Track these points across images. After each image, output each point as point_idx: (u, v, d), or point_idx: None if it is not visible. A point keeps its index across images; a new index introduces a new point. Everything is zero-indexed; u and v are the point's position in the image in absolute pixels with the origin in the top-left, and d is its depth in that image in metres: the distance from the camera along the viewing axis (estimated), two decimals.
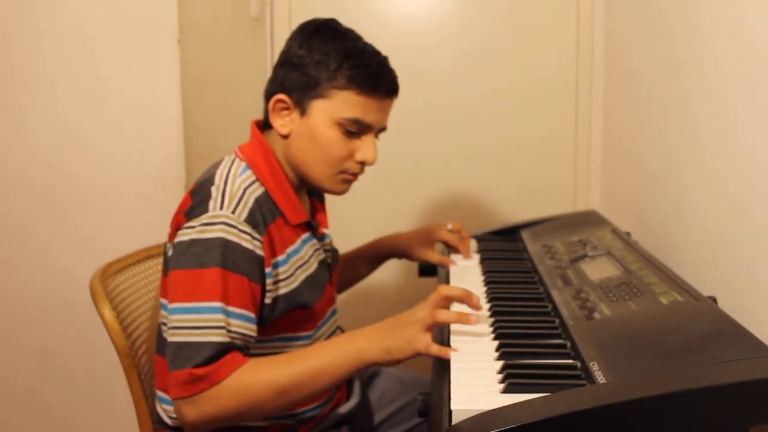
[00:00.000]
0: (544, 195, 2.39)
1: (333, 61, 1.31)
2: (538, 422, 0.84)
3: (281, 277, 1.31)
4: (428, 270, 1.77)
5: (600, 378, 0.96)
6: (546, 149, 2.39)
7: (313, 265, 1.40)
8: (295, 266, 1.35)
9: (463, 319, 1.17)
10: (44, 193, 2.13)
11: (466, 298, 1.21)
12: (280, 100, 1.34)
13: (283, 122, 1.35)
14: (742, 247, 1.25)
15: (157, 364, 1.40)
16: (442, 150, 2.41)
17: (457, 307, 1.25)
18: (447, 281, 1.57)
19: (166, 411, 1.38)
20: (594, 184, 2.39)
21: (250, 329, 1.24)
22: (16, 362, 2.19)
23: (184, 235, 1.25)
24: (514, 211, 2.24)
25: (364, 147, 1.36)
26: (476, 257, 1.73)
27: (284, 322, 1.34)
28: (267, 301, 1.29)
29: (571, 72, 2.36)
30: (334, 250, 1.54)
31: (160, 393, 1.39)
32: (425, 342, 1.15)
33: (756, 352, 0.93)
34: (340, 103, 1.31)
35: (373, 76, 1.33)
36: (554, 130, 2.38)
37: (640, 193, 1.89)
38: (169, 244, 1.33)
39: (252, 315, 1.25)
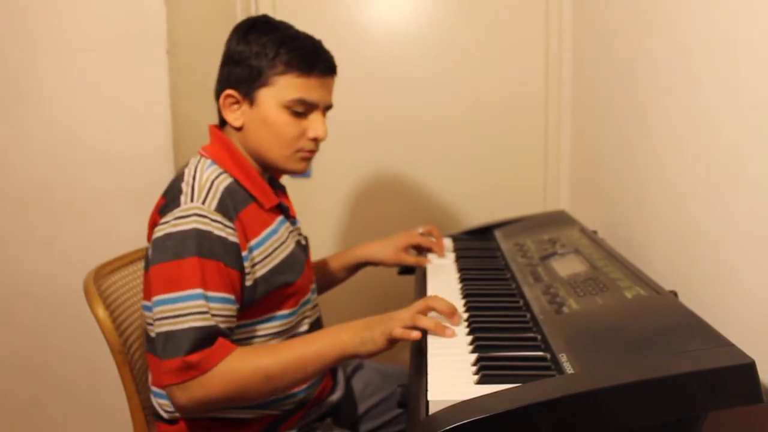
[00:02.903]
0: (516, 196, 2.41)
1: (270, 50, 1.33)
2: (510, 411, 0.84)
3: (257, 259, 1.32)
4: (407, 268, 1.78)
5: (569, 369, 0.97)
6: (518, 154, 2.41)
7: (291, 245, 1.41)
8: (273, 246, 1.36)
9: (439, 330, 1.18)
10: (39, 198, 2.12)
11: (449, 316, 1.22)
12: (229, 95, 1.36)
13: (235, 116, 1.37)
14: (700, 245, 1.26)
15: (150, 362, 1.40)
16: (421, 155, 2.41)
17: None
18: (424, 279, 1.57)
19: (160, 405, 1.37)
20: (563, 185, 2.40)
21: (230, 310, 1.25)
22: (11, 362, 2.17)
23: (159, 232, 1.26)
24: (489, 212, 2.25)
25: (313, 124, 1.37)
26: (451, 256, 1.73)
27: (269, 300, 1.35)
28: (248, 283, 1.30)
29: (541, 83, 2.37)
30: (305, 237, 1.55)
31: (153, 388, 1.39)
32: (394, 329, 1.16)
33: (713, 342, 0.94)
34: (283, 87, 1.34)
35: (309, 56, 1.35)
36: (526, 137, 2.40)
37: (606, 194, 1.90)
38: (148, 244, 1.33)
39: (231, 296, 1.25)
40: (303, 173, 1.43)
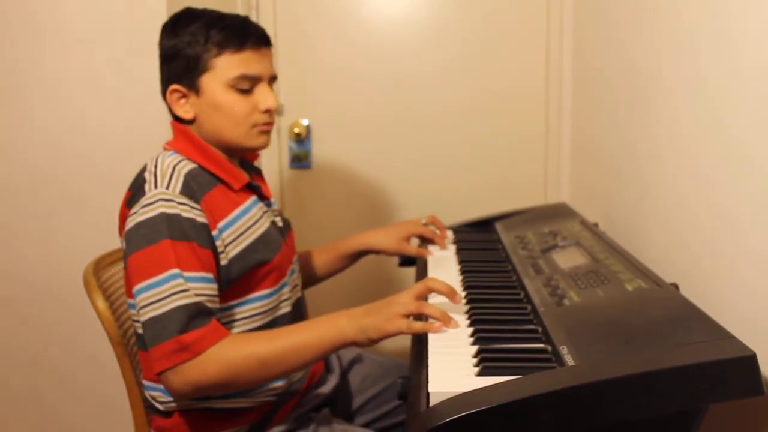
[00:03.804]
0: (517, 189, 2.41)
1: (200, 36, 1.35)
2: (511, 403, 0.84)
3: (228, 240, 1.32)
4: (408, 260, 1.77)
5: (569, 361, 0.97)
6: (519, 146, 2.41)
7: (265, 224, 1.41)
8: (245, 225, 1.36)
9: (445, 319, 1.16)
10: (40, 188, 2.12)
11: (450, 296, 1.22)
12: (174, 91, 1.38)
13: (185, 109, 1.38)
14: (700, 238, 1.26)
15: (141, 357, 1.40)
16: (422, 147, 2.41)
17: (437, 299, 1.26)
18: (425, 271, 1.57)
19: (153, 397, 1.38)
20: (564, 178, 2.40)
21: (211, 289, 1.25)
22: (11, 351, 2.17)
23: (129, 223, 1.27)
24: (490, 205, 2.24)
25: (261, 97, 1.38)
26: (452, 248, 1.73)
27: (246, 281, 1.35)
28: (222, 263, 1.30)
29: (542, 75, 2.37)
30: (285, 219, 1.55)
31: (146, 382, 1.39)
32: (406, 322, 1.15)
33: (714, 334, 0.94)
34: (222, 68, 1.35)
35: (239, 32, 1.36)
36: (527, 129, 2.40)
37: (607, 186, 1.90)
38: (121, 238, 1.34)
39: (209, 275, 1.25)
40: (265, 147, 1.43)
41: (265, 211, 1.44)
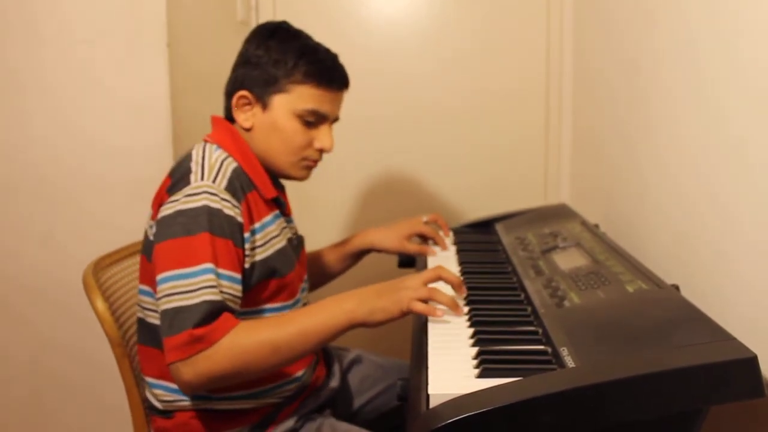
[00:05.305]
0: (517, 190, 2.40)
1: (290, 59, 1.36)
2: (511, 405, 0.84)
3: (257, 243, 1.33)
4: (408, 261, 1.77)
5: (570, 362, 0.97)
6: (519, 147, 2.40)
7: (283, 240, 1.42)
8: (269, 236, 1.37)
9: (453, 305, 1.19)
10: (38, 189, 2.11)
11: (457, 287, 1.25)
12: (242, 96, 1.39)
13: (246, 116, 1.40)
14: (701, 239, 1.26)
15: (141, 353, 1.40)
16: (422, 147, 2.41)
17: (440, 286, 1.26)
18: None
19: (155, 395, 1.37)
20: (564, 179, 2.39)
21: (237, 290, 1.25)
22: (9, 354, 2.17)
23: (168, 209, 1.26)
24: (489, 205, 2.24)
25: (321, 135, 1.41)
26: (453, 249, 1.73)
27: (262, 291, 1.35)
28: (246, 266, 1.30)
29: (542, 75, 2.37)
30: (300, 236, 1.55)
31: (148, 379, 1.39)
32: (407, 300, 1.17)
33: (715, 336, 0.94)
34: (298, 97, 1.36)
35: (328, 71, 1.38)
36: (526, 129, 2.39)
37: (607, 187, 1.90)
38: (151, 222, 1.33)
39: (238, 276, 1.26)
40: (303, 180, 1.45)
41: (284, 228, 1.45)
